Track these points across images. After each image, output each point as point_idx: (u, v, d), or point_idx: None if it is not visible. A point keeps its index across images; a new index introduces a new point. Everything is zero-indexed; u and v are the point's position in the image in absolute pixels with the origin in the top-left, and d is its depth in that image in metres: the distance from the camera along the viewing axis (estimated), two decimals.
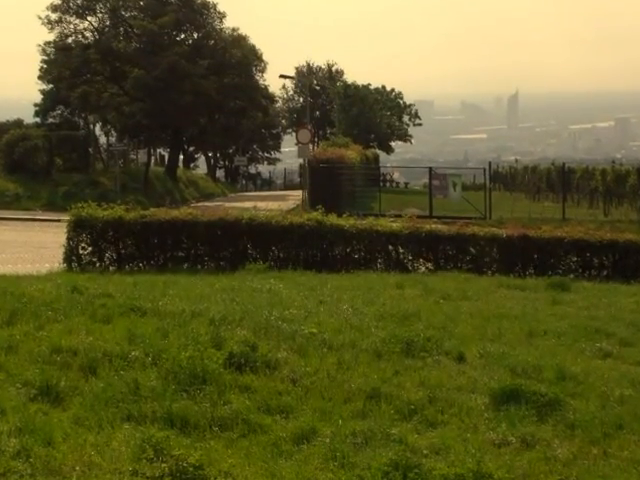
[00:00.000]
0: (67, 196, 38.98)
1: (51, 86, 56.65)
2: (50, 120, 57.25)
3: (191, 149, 77.47)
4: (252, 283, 15.91)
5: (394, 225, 21.28)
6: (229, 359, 9.27)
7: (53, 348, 9.59)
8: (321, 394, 8.75)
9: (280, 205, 39.00)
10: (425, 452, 7.26)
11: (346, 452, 7.16)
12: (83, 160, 48.84)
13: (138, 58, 50.59)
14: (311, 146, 52.98)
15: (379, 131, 76.72)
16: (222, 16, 54.67)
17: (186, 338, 10.07)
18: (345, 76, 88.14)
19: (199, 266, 19.86)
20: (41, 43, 53.56)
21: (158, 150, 66.74)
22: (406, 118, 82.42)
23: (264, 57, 59.74)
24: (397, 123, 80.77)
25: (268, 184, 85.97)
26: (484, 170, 44.96)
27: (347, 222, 20.88)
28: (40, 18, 51.23)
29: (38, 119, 57.48)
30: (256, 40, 59.45)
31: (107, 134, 59.72)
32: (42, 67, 56.14)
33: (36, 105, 58.93)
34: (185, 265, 19.84)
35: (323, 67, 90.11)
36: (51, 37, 52.65)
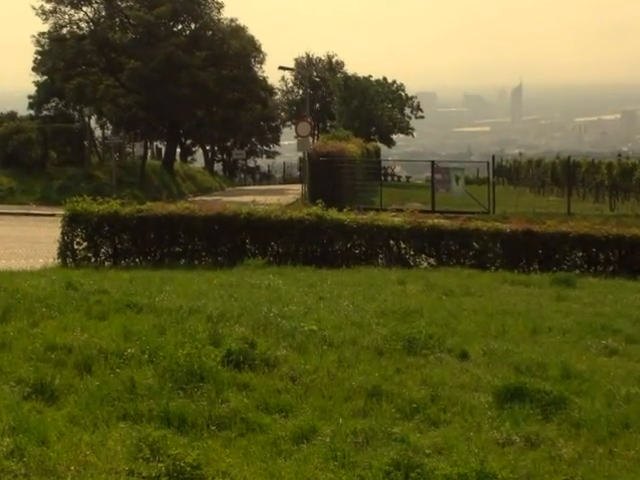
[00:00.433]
0: (62, 190, 38.95)
1: (45, 78, 56.60)
2: (44, 112, 57.22)
3: (188, 142, 77.37)
4: (251, 279, 15.91)
5: (396, 220, 21.26)
6: (227, 357, 9.27)
7: (47, 345, 9.59)
8: (321, 392, 8.75)
9: (279, 199, 38.84)
10: (427, 451, 7.26)
11: (347, 451, 7.16)
12: (78, 153, 48.77)
13: (134, 49, 50.50)
14: (311, 139, 52.91)
15: (380, 124, 76.61)
16: (220, 6, 54.64)
17: (183, 335, 10.07)
18: (345, 67, 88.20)
19: (196, 262, 19.86)
20: (35, 34, 53.55)
21: (155, 143, 66.63)
22: (408, 110, 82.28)
23: (263, 48, 59.70)
24: (399, 116, 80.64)
25: (267, 178, 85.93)
26: (487, 164, 45.00)
27: (348, 217, 20.87)
28: (34, 8, 51.19)
29: (32, 111, 57.44)
30: (255, 31, 59.40)
31: (103, 127, 59.69)
32: (36, 58, 56.10)
33: (30, 97, 58.90)
34: (182, 261, 19.85)
35: (323, 58, 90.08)
36: (45, 28, 52.68)
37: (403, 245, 20.72)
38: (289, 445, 7.40)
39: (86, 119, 53.56)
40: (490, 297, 15.31)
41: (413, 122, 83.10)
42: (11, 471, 6.51)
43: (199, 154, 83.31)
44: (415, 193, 46.23)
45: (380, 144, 74.05)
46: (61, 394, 8.28)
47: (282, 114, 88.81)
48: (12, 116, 50.61)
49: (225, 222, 20.24)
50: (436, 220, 22.06)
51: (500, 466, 6.85)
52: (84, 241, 19.98)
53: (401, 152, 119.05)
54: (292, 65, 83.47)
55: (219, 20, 55.41)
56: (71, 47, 51.14)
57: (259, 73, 61.02)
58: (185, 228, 20.14)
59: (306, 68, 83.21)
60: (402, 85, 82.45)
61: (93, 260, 19.83)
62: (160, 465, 6.69)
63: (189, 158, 77.71)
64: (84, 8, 52.42)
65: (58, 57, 51.99)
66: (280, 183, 76.96)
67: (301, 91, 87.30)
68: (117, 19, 53.66)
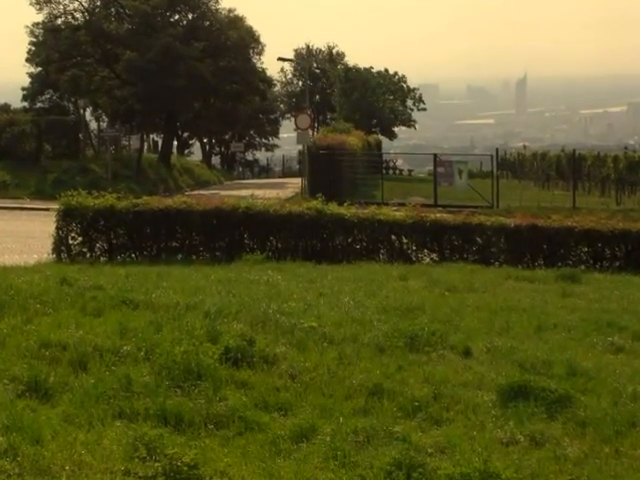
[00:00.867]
0: (56, 184, 38.91)
1: (40, 69, 56.64)
2: (39, 105, 57.35)
3: (185, 135, 77.38)
4: (249, 275, 15.91)
5: (397, 214, 21.27)
6: (225, 354, 9.27)
7: (42, 342, 9.58)
8: (321, 390, 8.75)
9: (278, 193, 38.94)
10: (430, 451, 7.26)
11: (347, 451, 7.16)
12: (73, 146, 48.74)
13: (130, 40, 50.46)
14: (311, 132, 52.92)
15: (382, 116, 76.58)
16: None
17: (180, 332, 10.07)
18: (346, 59, 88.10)
19: (194, 257, 19.86)
20: (29, 24, 53.62)
21: (151, 136, 66.69)
22: (410, 103, 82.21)
23: (262, 39, 59.78)
24: (400, 108, 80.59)
25: (266, 171, 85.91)
26: (491, 157, 44.94)
27: (348, 211, 20.87)
28: None
29: (26, 103, 57.55)
30: (253, 21, 59.48)
31: (98, 119, 59.69)
32: (30, 49, 56.14)
33: (24, 89, 58.96)
34: (179, 256, 19.85)
35: (323, 49, 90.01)
36: (40, 18, 52.69)
37: (405, 240, 20.72)
38: (288, 444, 7.39)
39: (81, 111, 53.62)
40: (494, 293, 15.32)
41: (415, 114, 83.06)
42: (4, 471, 6.50)
43: (196, 147, 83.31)
44: (417, 187, 46.22)
45: (381, 137, 74.05)
46: (56, 392, 8.27)
47: (281, 106, 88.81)
48: (5, 108, 50.71)
49: (223, 216, 20.23)
50: (439, 214, 22.06)
51: (504, 466, 6.84)
52: (79, 236, 19.97)
53: (403, 145, 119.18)
54: (291, 56, 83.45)
55: (217, 10, 55.41)
56: (66, 38, 51.11)
57: (258, 64, 61.07)
58: (182, 223, 20.13)
59: (306, 59, 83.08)
60: (404, 77, 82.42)
61: (88, 255, 19.82)
62: (156, 465, 6.68)
63: (186, 151, 77.73)
64: None
65: (52, 48, 51.98)
66: (279, 177, 76.96)
67: (301, 83, 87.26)
68: (113, 9, 53.63)
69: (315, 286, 14.85)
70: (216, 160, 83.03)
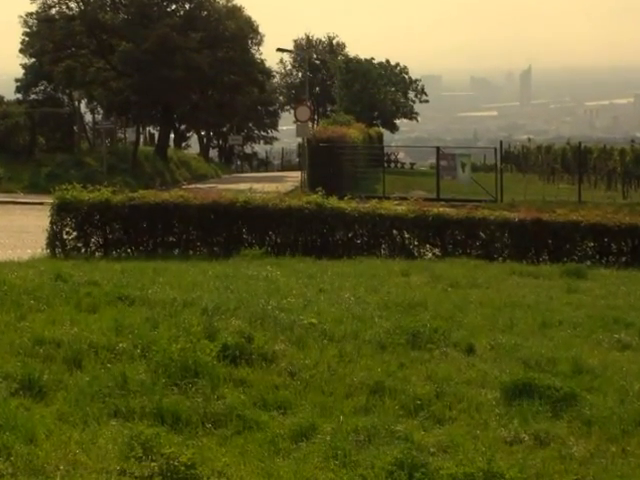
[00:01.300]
0: (50, 177, 38.88)
1: (33, 60, 56.53)
2: (32, 96, 57.17)
3: (182, 127, 77.29)
4: (247, 270, 15.92)
5: (399, 208, 21.28)
6: (223, 351, 9.27)
7: (35, 339, 9.59)
8: (321, 388, 8.75)
9: (277, 187, 38.94)
10: (432, 450, 7.26)
11: (348, 450, 7.16)
12: (68, 139, 48.80)
13: (126, 30, 50.40)
14: (310, 124, 52.87)
15: (383, 108, 76.51)
16: None
17: (177, 329, 10.07)
18: (347, 50, 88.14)
19: (191, 252, 19.88)
20: (23, 14, 53.43)
21: (147, 128, 66.60)
22: (412, 94, 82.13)
23: (260, 29, 59.66)
24: (402, 100, 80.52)
25: (265, 165, 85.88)
26: (495, 150, 44.98)
27: (349, 205, 20.88)
28: None
29: (20, 95, 57.40)
30: (252, 11, 59.31)
31: (93, 111, 59.67)
32: (24, 40, 55.99)
33: (17, 80, 58.83)
34: (176, 251, 19.86)
35: (323, 40, 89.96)
36: (33, 8, 52.51)
37: (407, 235, 20.72)
38: (288, 443, 7.39)
39: (76, 103, 53.51)
40: (497, 289, 15.32)
41: (417, 106, 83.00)
42: None
43: (194, 140, 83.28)
44: (419, 180, 46.26)
45: (383, 129, 73.96)
46: (50, 390, 8.28)
47: (280, 98, 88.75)
48: None
49: (221, 211, 20.23)
50: (441, 209, 22.06)
51: (508, 465, 6.85)
52: (74, 231, 19.99)
53: (405, 138, 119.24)
54: (291, 47, 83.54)
55: (215, 0, 55.32)
56: (60, 28, 51.03)
57: (256, 55, 61.02)
58: (179, 217, 20.13)
59: (305, 50, 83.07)
60: (406, 68, 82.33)
61: (83, 250, 19.83)
62: (153, 464, 6.68)
63: (183, 144, 77.69)
64: None
65: (47, 38, 51.91)
66: (278, 170, 76.96)
67: (300, 74, 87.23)
68: None
69: (315, 282, 14.86)
70: (214, 153, 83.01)
